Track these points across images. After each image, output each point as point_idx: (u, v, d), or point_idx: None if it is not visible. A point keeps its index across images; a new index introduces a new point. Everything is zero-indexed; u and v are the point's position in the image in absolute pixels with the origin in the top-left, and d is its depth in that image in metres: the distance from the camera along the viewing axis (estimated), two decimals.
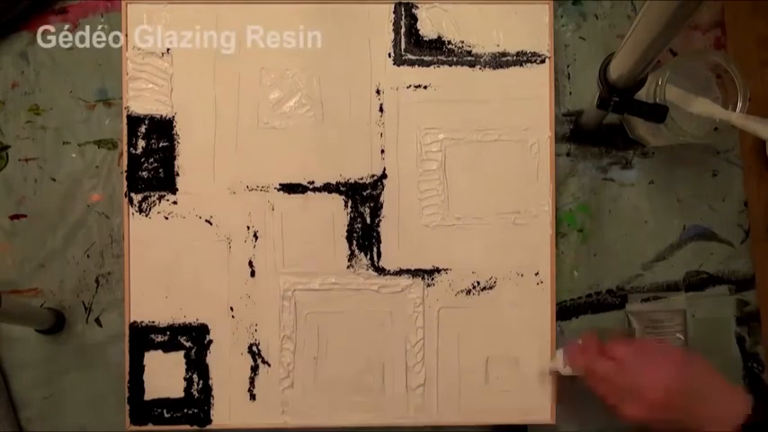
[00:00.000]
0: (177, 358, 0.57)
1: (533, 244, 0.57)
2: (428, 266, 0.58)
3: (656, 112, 0.48)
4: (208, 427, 0.57)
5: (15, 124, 0.60)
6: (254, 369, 0.57)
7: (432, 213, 0.58)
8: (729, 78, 0.51)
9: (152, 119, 0.58)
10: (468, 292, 0.57)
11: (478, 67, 0.58)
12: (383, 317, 0.57)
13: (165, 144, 0.58)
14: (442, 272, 0.58)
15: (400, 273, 0.58)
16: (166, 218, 0.58)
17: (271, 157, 0.58)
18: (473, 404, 0.57)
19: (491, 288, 0.57)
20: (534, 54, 0.58)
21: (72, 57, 0.60)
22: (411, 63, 0.58)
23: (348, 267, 0.58)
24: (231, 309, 0.58)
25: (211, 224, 0.58)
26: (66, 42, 0.60)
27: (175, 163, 0.58)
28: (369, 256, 0.58)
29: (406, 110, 0.58)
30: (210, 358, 0.57)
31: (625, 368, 0.48)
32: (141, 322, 0.57)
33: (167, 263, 0.57)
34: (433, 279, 0.57)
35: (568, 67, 0.60)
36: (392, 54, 0.58)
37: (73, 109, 0.60)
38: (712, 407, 0.46)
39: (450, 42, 0.58)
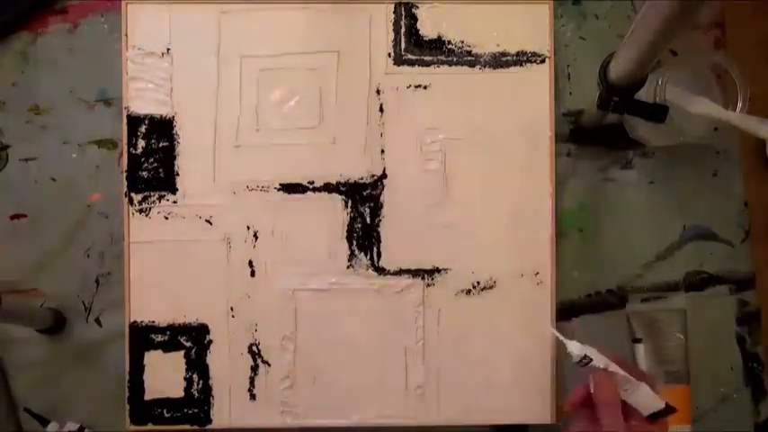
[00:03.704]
0: (177, 358, 0.57)
1: (533, 244, 0.57)
2: (428, 266, 0.58)
3: (656, 112, 0.48)
4: (208, 426, 0.57)
5: (15, 124, 0.60)
6: (254, 369, 0.57)
7: (432, 213, 0.58)
8: (729, 78, 0.51)
9: (152, 119, 0.58)
10: (468, 292, 0.57)
11: (478, 67, 0.58)
12: (383, 317, 0.57)
13: (165, 144, 0.58)
14: (442, 272, 0.58)
15: (400, 273, 0.58)
16: (166, 218, 0.58)
17: (271, 157, 0.58)
18: (473, 404, 0.57)
19: (491, 288, 0.57)
20: (534, 54, 0.58)
21: (72, 57, 0.60)
22: (411, 63, 0.58)
23: (348, 267, 0.58)
24: (231, 309, 0.58)
25: (211, 224, 0.58)
26: (66, 42, 0.60)
27: (175, 163, 0.58)
28: (369, 256, 0.58)
29: (406, 110, 0.58)
30: (210, 358, 0.57)
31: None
32: (141, 322, 0.57)
33: (167, 263, 0.57)
34: (433, 279, 0.57)
35: (568, 67, 0.60)
36: (392, 54, 0.58)
37: (73, 109, 0.60)
38: None
39: (450, 42, 0.58)
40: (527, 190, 0.58)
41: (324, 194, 0.58)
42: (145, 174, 0.58)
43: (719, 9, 0.60)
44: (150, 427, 0.57)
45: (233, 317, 0.58)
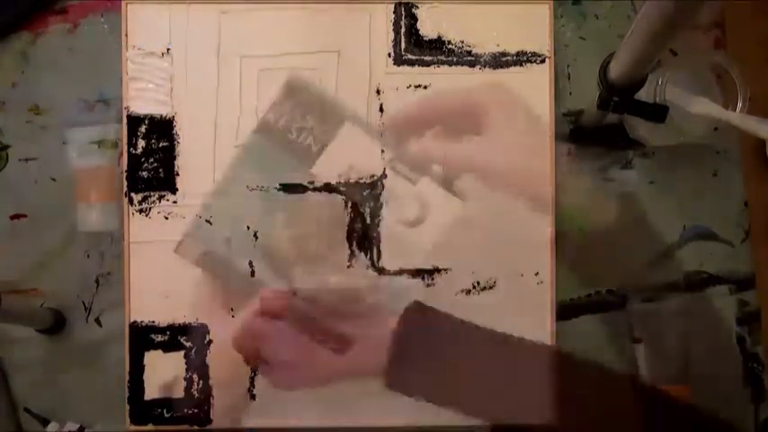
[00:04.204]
0: (177, 358, 0.57)
1: (533, 244, 0.57)
2: (428, 266, 0.58)
3: (656, 112, 0.48)
4: (208, 426, 0.57)
5: (15, 124, 0.60)
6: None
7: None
8: (729, 78, 0.51)
9: (152, 119, 0.58)
10: (468, 292, 0.57)
11: (478, 67, 0.58)
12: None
13: (165, 144, 0.58)
14: (442, 272, 0.58)
15: (400, 273, 0.57)
16: (166, 218, 0.58)
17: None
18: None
19: (491, 288, 0.57)
20: (534, 54, 0.58)
21: (72, 57, 0.60)
22: (411, 63, 0.58)
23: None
24: (231, 309, 0.58)
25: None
26: (66, 42, 0.60)
27: (175, 163, 0.58)
28: (369, 256, 0.58)
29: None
30: (210, 358, 0.57)
31: None
32: (141, 322, 0.57)
33: (167, 263, 0.57)
34: (433, 279, 0.57)
35: (568, 67, 0.60)
36: (392, 54, 0.58)
37: (73, 109, 0.60)
38: None
39: (450, 42, 0.58)
40: (527, 189, 0.58)
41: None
42: (145, 174, 0.58)
43: (719, 9, 0.60)
44: (150, 427, 0.57)
45: (233, 317, 0.57)
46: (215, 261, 0.57)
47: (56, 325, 0.58)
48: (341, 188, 0.58)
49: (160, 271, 0.57)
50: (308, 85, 0.57)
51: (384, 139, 0.58)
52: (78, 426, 0.57)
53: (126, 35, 0.58)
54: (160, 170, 0.58)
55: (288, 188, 0.58)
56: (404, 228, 0.58)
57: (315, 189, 0.58)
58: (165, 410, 0.57)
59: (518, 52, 0.58)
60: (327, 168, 0.58)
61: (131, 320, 0.57)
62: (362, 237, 0.58)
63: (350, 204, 0.58)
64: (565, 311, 0.59)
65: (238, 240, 0.58)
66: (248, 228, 0.58)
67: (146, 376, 0.57)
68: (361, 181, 0.58)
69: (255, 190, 0.58)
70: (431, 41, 0.58)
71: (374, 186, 0.58)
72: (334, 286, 0.57)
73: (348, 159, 0.58)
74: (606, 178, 0.59)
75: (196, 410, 0.57)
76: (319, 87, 0.58)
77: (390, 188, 0.58)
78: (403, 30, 0.58)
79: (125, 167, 0.58)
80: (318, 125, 0.58)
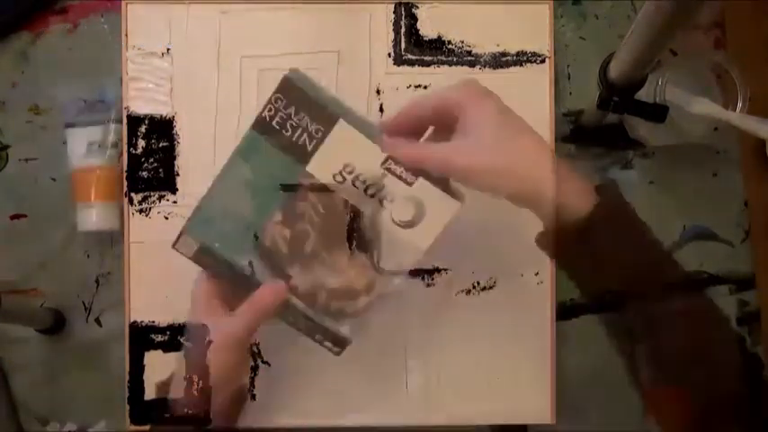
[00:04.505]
0: (177, 358, 0.57)
1: (533, 244, 0.57)
2: (428, 266, 0.58)
3: (656, 112, 0.48)
4: (207, 427, 0.57)
5: (15, 124, 0.60)
6: (254, 369, 0.57)
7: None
8: (729, 78, 0.51)
9: (152, 119, 0.58)
10: (468, 292, 0.57)
11: (478, 67, 0.58)
12: (383, 317, 0.57)
13: (165, 144, 0.58)
14: (442, 272, 0.58)
15: (400, 272, 0.57)
16: (166, 218, 0.58)
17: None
18: (473, 404, 0.57)
19: (491, 288, 0.57)
20: (534, 54, 0.58)
21: (72, 57, 0.60)
22: (411, 63, 0.58)
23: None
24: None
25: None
26: (66, 42, 0.60)
27: (175, 163, 0.58)
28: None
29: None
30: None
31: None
32: (141, 322, 0.57)
33: (167, 263, 0.57)
34: (432, 279, 0.57)
35: (568, 67, 0.60)
36: (392, 54, 0.58)
37: (73, 109, 0.60)
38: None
39: (450, 42, 0.58)
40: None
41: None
42: (145, 174, 0.58)
43: (719, 9, 0.60)
44: (150, 427, 0.57)
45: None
46: (213, 260, 0.57)
47: (56, 325, 0.58)
48: (340, 187, 0.58)
49: (160, 271, 0.57)
50: (304, 82, 0.57)
51: (381, 139, 0.58)
52: (78, 426, 0.57)
53: (126, 35, 0.58)
54: (160, 170, 0.58)
55: (287, 188, 0.58)
56: (401, 228, 0.57)
57: (313, 188, 0.58)
58: (164, 410, 0.57)
59: (518, 52, 0.58)
60: (323, 167, 0.57)
61: (131, 320, 0.57)
62: (361, 236, 0.58)
63: (349, 204, 0.58)
64: (565, 311, 0.59)
65: (237, 240, 0.58)
66: (248, 228, 0.58)
67: (146, 376, 0.57)
68: (360, 180, 0.58)
69: (254, 189, 0.58)
70: (431, 41, 0.58)
71: (373, 186, 0.58)
72: (333, 285, 0.57)
73: (343, 158, 0.57)
74: (606, 178, 0.59)
75: (196, 410, 0.57)
76: (315, 83, 0.58)
77: (389, 188, 0.58)
78: (403, 30, 0.58)
79: (125, 167, 0.58)
80: (313, 123, 0.57)
